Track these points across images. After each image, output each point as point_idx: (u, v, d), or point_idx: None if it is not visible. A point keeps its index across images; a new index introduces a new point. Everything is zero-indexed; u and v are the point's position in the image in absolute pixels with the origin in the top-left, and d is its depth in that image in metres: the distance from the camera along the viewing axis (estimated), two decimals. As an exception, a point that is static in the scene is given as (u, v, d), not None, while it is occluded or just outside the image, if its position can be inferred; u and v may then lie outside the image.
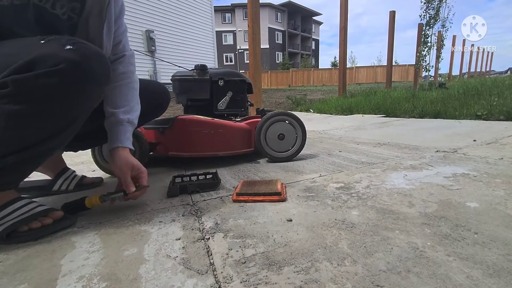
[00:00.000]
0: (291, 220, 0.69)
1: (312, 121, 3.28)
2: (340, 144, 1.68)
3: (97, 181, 1.13)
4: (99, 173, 1.27)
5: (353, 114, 3.93)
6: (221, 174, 1.15)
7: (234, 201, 0.84)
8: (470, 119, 2.46)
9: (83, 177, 1.09)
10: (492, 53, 25.86)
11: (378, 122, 2.71)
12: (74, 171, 1.07)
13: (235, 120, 1.40)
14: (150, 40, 8.28)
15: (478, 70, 20.08)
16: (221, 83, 1.40)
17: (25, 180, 1.08)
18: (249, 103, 1.57)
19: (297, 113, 4.68)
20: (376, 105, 3.92)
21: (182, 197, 0.92)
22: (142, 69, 8.17)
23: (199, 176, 1.08)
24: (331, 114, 4.22)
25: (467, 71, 17.86)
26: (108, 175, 1.24)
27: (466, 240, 0.57)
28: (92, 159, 1.23)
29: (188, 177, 1.07)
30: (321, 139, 1.92)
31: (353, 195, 0.84)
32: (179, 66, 1.45)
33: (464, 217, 0.67)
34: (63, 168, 1.05)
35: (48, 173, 1.03)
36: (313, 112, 4.69)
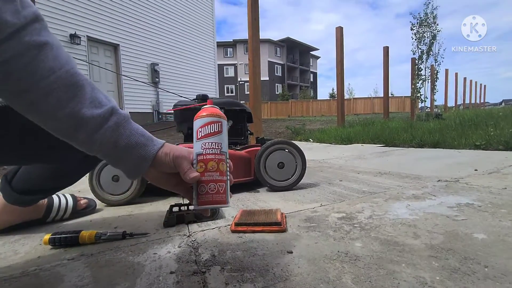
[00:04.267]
0: (291, 252, 0.66)
1: (312, 150, 3.29)
2: (340, 173, 1.66)
3: (92, 205, 1.11)
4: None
5: (352, 143, 3.95)
6: (219, 203, 1.12)
7: (233, 231, 0.81)
8: (469, 148, 2.47)
9: (76, 200, 1.06)
10: (485, 85, 26.84)
11: (378, 152, 2.72)
12: (62, 200, 1.01)
13: (234, 149, 1.41)
14: (154, 72, 8.63)
15: (473, 101, 20.66)
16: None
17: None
18: (249, 132, 1.59)
19: (297, 143, 4.71)
20: (375, 135, 3.96)
21: (179, 227, 0.89)
22: (145, 99, 8.40)
23: (197, 205, 1.06)
24: (331, 143, 4.25)
25: (462, 102, 18.35)
26: (104, 204, 1.22)
27: (476, 274, 0.54)
28: (89, 188, 1.21)
29: (185, 206, 1.05)
30: (321, 168, 1.91)
31: (355, 225, 0.82)
32: (181, 96, 1.49)
33: (473, 249, 0.64)
34: (48, 204, 0.96)
35: (34, 216, 0.92)
36: (313, 142, 4.73)
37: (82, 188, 1.58)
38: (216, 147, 0.48)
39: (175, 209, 1.04)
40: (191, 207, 1.04)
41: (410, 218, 0.85)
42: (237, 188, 1.34)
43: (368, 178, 1.46)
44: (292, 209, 1.01)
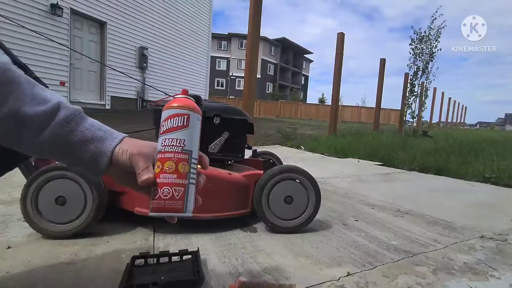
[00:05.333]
0: None
1: (306, 162, 3.02)
2: (350, 205, 1.39)
3: None
4: (28, 230, 0.89)
5: (347, 157, 3.74)
6: (204, 252, 0.81)
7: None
8: (477, 180, 2.28)
9: None
10: (466, 107, 28.02)
11: (380, 173, 2.49)
12: None
13: (230, 171, 1.09)
14: (142, 57, 8.07)
15: (453, 121, 21.40)
16: (216, 121, 1.11)
17: None
18: (247, 146, 1.28)
19: (287, 149, 4.45)
20: (372, 150, 3.76)
21: (139, 309, 0.57)
22: (130, 84, 7.84)
23: (172, 257, 0.74)
24: (323, 154, 4.01)
25: (445, 121, 18.92)
26: (40, 235, 0.87)
27: None
28: (21, 213, 0.86)
29: (155, 259, 0.73)
30: (324, 192, 1.63)
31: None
32: (167, 94, 1.15)
33: None
34: None
35: None
36: (305, 150, 4.49)
37: (7, 211, 1.14)
38: (176, 144, 0.41)
39: (139, 262, 0.71)
40: (162, 259, 0.73)
41: (487, 319, 0.58)
42: (228, 224, 1.03)
43: (388, 219, 1.20)
44: (307, 275, 0.71)
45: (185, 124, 0.41)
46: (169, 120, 0.41)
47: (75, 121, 0.42)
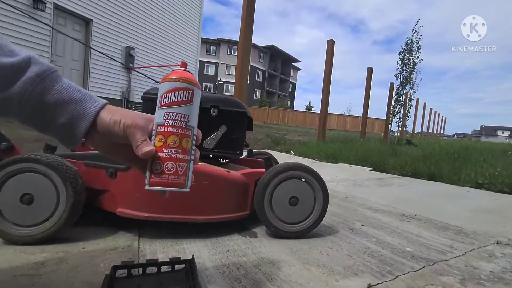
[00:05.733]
0: None
1: (298, 166, 2.94)
2: (352, 209, 1.31)
3: None
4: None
5: (338, 162, 3.69)
6: (199, 261, 0.69)
7: None
8: (470, 186, 2.27)
9: None
10: (445, 118, 29.23)
11: (374, 178, 2.44)
12: None
13: (227, 169, 0.98)
14: (129, 57, 7.83)
15: (433, 131, 22.20)
16: (213, 112, 1.00)
17: None
18: (245, 143, 1.17)
19: (277, 153, 4.37)
20: (362, 156, 3.75)
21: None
22: (115, 84, 7.57)
23: (161, 267, 0.62)
24: (314, 159, 3.96)
25: (426, 131, 19.57)
26: (1, 239, 0.72)
27: None
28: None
29: (141, 269, 0.60)
30: (323, 196, 1.55)
31: None
32: (157, 82, 1.04)
33: None
34: None
35: None
36: (295, 155, 4.42)
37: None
38: (181, 119, 0.39)
39: (120, 273, 0.59)
40: (149, 270, 0.60)
41: None
42: (224, 228, 0.91)
43: (396, 224, 1.12)
44: (322, 288, 0.61)
45: (189, 99, 0.40)
46: (173, 93, 0.39)
47: (50, 79, 0.38)
